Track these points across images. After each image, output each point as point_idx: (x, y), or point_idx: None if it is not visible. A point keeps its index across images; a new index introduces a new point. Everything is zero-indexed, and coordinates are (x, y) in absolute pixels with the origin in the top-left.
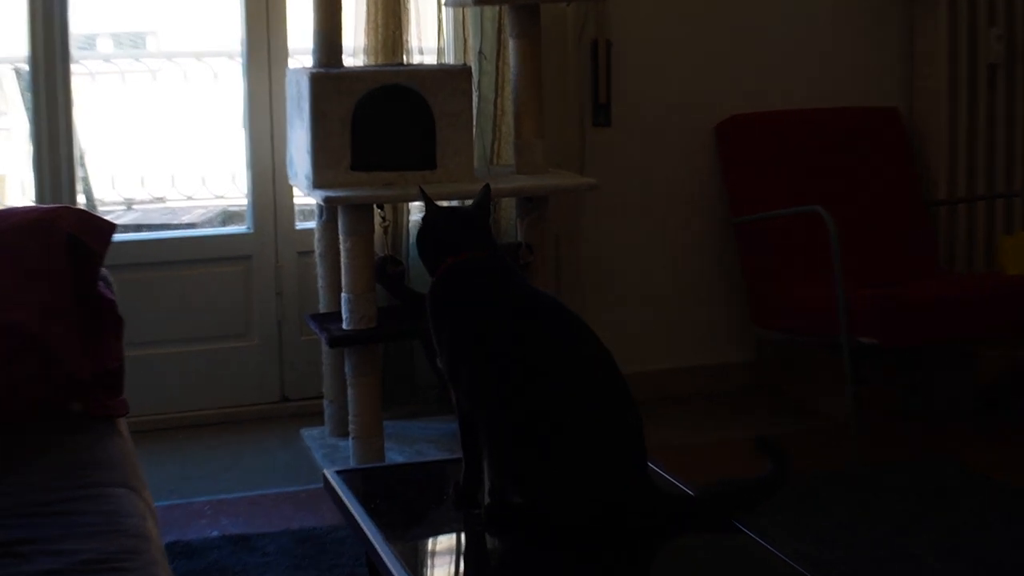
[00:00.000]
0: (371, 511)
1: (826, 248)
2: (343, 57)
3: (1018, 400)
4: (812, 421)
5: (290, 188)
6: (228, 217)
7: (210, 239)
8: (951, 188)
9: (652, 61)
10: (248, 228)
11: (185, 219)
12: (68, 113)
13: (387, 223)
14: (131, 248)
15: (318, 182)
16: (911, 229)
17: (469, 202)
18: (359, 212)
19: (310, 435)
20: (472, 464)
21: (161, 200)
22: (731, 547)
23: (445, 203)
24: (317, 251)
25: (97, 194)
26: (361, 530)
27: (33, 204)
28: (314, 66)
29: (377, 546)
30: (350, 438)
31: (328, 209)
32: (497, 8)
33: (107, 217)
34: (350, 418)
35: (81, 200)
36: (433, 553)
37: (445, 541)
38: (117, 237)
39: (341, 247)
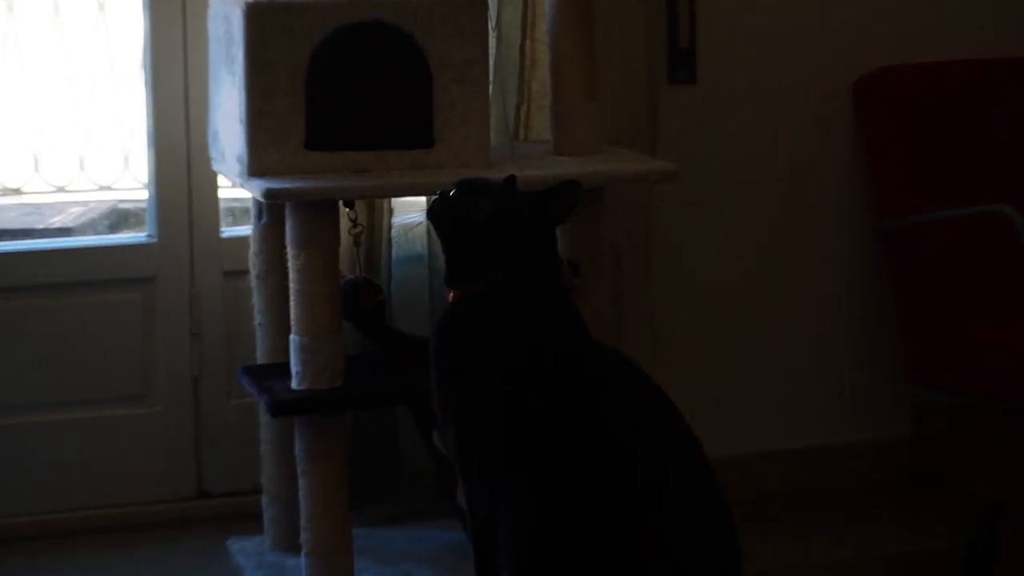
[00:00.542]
0: None
1: (1021, 266)
2: None
3: None
4: (1002, 529)
5: (213, 175)
6: (119, 219)
7: (92, 252)
8: None
9: None
10: (149, 236)
11: (55, 222)
12: None
13: (359, 229)
14: None
15: (256, 167)
16: None
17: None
18: (317, 213)
19: (242, 549)
20: None
21: (16, 192)
22: None
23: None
24: (253, 271)
25: None
26: None
27: None
28: None
29: None
30: (302, 554)
31: (271, 208)
32: None
33: None
34: (302, 524)
35: None
36: None
37: None
38: None
39: (290, 265)
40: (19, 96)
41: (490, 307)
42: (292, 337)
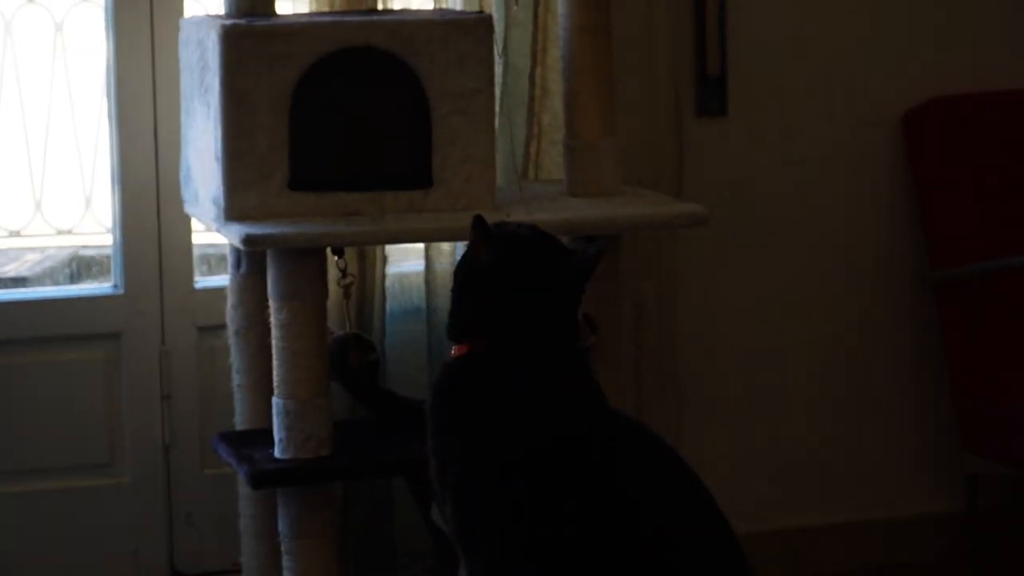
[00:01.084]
0: None
1: None
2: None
3: None
4: None
5: (186, 219)
6: (81, 268)
7: (50, 305)
8: None
9: (795, 8)
10: (114, 286)
11: (8, 270)
12: None
13: (349, 280)
14: None
15: (234, 210)
16: None
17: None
18: (302, 261)
19: None
20: None
21: None
22: None
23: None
24: (231, 326)
25: None
26: None
27: None
28: (228, 14)
29: None
30: None
31: (250, 256)
32: None
33: None
34: None
35: None
36: None
37: None
38: None
39: (272, 320)
40: None
41: (492, 369)
42: (275, 400)
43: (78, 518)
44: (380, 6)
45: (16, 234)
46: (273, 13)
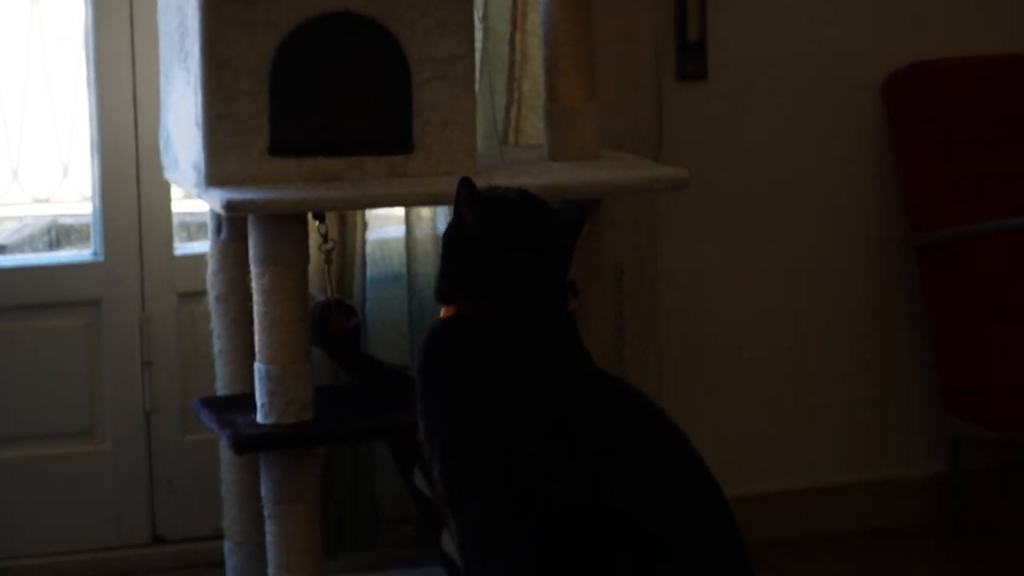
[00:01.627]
0: None
1: None
2: None
3: None
4: None
5: (166, 186)
6: (60, 235)
7: (30, 272)
8: None
9: None
10: (94, 254)
11: None
12: None
13: (331, 245)
14: None
15: (215, 176)
16: None
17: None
18: (283, 227)
19: None
20: None
21: None
22: None
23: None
24: (212, 292)
25: None
26: None
27: None
28: None
29: None
30: None
31: (231, 222)
32: None
33: None
34: (269, 573)
35: None
36: None
37: None
38: None
39: (253, 286)
40: None
41: (479, 330)
42: (256, 366)
43: (60, 485)
44: None
45: None
46: None
